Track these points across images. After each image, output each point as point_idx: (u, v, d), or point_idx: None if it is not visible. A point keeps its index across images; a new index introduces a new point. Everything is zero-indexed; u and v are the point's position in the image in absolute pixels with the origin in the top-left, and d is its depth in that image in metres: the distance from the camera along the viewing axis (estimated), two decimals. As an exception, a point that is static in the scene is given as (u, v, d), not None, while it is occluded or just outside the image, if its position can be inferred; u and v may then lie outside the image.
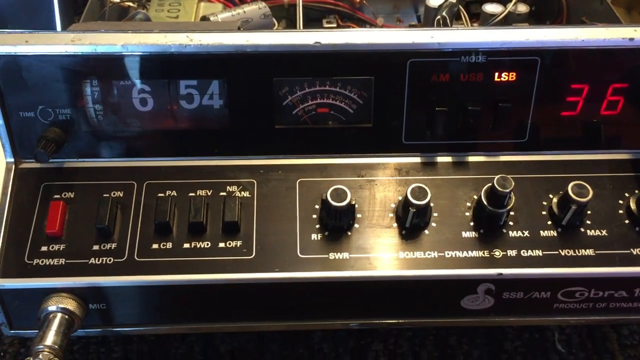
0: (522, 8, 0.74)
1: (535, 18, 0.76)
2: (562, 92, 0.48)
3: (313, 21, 0.77)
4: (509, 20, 0.73)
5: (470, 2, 0.78)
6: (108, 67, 0.47)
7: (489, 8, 0.73)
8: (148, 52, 0.46)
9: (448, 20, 0.57)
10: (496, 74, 0.47)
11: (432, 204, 0.47)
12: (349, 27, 0.76)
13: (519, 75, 0.47)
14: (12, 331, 0.47)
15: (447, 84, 0.48)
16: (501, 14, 0.72)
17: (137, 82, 0.48)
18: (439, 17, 0.57)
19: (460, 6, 0.62)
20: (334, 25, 0.76)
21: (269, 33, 0.47)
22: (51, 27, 0.76)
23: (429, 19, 0.73)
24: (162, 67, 0.47)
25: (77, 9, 0.84)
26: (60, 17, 0.76)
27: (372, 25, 0.78)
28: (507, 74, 0.47)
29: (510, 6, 0.72)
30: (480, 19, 0.73)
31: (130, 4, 0.66)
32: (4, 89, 0.47)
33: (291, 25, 0.75)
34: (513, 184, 0.44)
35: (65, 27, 0.77)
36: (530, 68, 0.47)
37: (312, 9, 0.77)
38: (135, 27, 0.53)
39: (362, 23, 0.78)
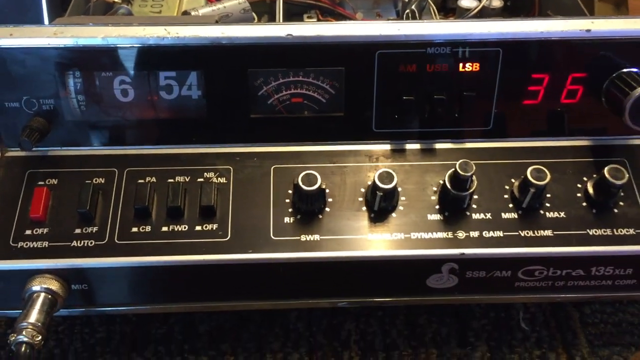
0: (496, 2, 0.76)
1: (510, 12, 0.78)
2: (524, 82, 0.50)
3: (294, 16, 0.79)
4: (484, 15, 0.75)
5: (447, -3, 0.81)
6: (90, 59, 0.49)
7: (464, 3, 0.75)
8: (128, 44, 0.48)
9: (417, 14, 0.59)
10: (460, 65, 0.50)
11: (400, 189, 0.50)
12: (328, 21, 0.79)
13: (482, 65, 0.50)
14: (-2, 312, 0.49)
15: (414, 75, 0.50)
16: (475, 8, 0.74)
17: (118, 73, 0.50)
18: (407, 10, 0.59)
19: (429, 1, 0.64)
20: (315, 20, 0.78)
21: (243, 26, 0.49)
22: (39, 22, 0.78)
23: (404, 12, 0.75)
24: (141, 59, 0.49)
25: (64, 5, 0.86)
26: (47, 13, 0.78)
27: (352, 19, 0.80)
28: (470, 64, 0.50)
29: (484, 0, 0.74)
30: (456, 14, 0.75)
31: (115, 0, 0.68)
32: (-11, 80, 0.49)
33: (273, 20, 0.77)
34: (474, 168, 0.47)
35: (52, 21, 0.79)
36: (492, 59, 0.49)
37: (293, 4, 0.79)
38: (117, 20, 0.56)
39: (342, 18, 0.80)
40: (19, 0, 0.77)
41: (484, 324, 0.54)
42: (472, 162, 0.48)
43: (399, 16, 0.81)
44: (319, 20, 0.78)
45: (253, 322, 0.54)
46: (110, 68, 0.49)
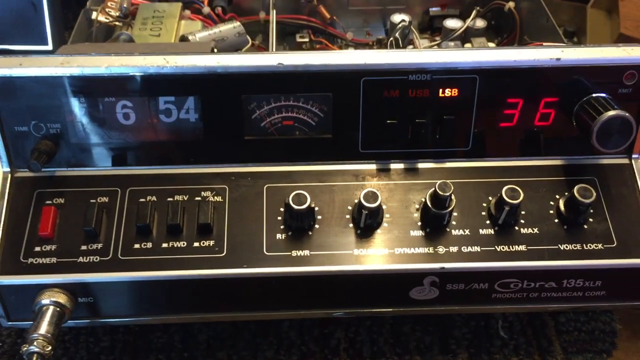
0: (480, 23, 0.80)
1: (494, 32, 0.82)
2: (500, 106, 0.54)
3: (288, 35, 0.83)
4: (468, 35, 0.79)
5: (433, 17, 0.84)
6: (94, 86, 0.52)
7: (450, 23, 0.79)
8: (129, 73, 0.51)
9: (400, 42, 0.63)
10: (440, 90, 0.53)
11: (384, 206, 0.53)
12: (320, 41, 0.82)
13: (460, 91, 0.53)
14: (9, 323, 0.52)
15: (397, 99, 0.53)
16: (460, 29, 0.78)
17: (121, 98, 0.53)
18: (391, 38, 0.63)
19: (412, 28, 0.68)
20: (307, 39, 0.82)
21: (237, 55, 0.53)
22: (43, 42, 0.82)
23: (393, 33, 0.79)
24: (142, 85, 0.52)
25: (67, 24, 0.89)
26: (51, 34, 0.82)
27: (342, 39, 0.84)
28: (450, 90, 0.53)
29: (468, 21, 0.78)
30: (442, 34, 0.79)
31: (117, 23, 0.72)
32: (0, 106, 0.52)
33: (267, 39, 0.80)
34: (452, 188, 0.50)
35: (55, 43, 0.83)
36: (470, 85, 0.53)
37: (286, 24, 0.82)
38: (119, 49, 0.59)
39: (333, 37, 0.84)
40: (25, 21, 0.81)
41: (465, 333, 0.57)
42: (452, 180, 0.51)
43: (388, 35, 0.85)
44: (311, 40, 0.82)
45: (248, 331, 0.57)
46: (113, 94, 0.53)
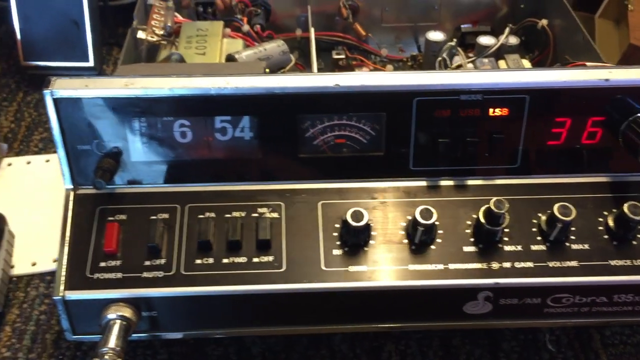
0: (513, 40, 0.82)
1: (525, 48, 0.83)
2: (548, 125, 0.55)
3: (323, 51, 0.85)
4: (501, 51, 0.80)
5: (465, 33, 0.86)
6: (155, 106, 0.53)
7: (483, 40, 0.81)
8: (191, 94, 0.53)
9: (448, 62, 0.64)
10: (491, 110, 0.55)
11: (437, 223, 0.54)
12: (355, 57, 0.84)
13: (510, 110, 0.55)
14: (74, 336, 0.54)
15: (448, 119, 0.55)
16: (494, 46, 0.79)
17: (179, 118, 0.55)
18: (440, 58, 0.64)
19: (458, 48, 0.69)
20: (343, 56, 0.84)
21: (294, 76, 0.54)
22: (85, 59, 0.84)
23: (428, 50, 0.81)
24: (201, 105, 0.54)
25: (104, 40, 0.91)
26: (92, 51, 0.84)
27: (377, 55, 0.85)
28: (500, 109, 0.55)
29: (502, 39, 0.80)
30: (475, 50, 0.81)
31: (162, 41, 0.74)
32: (65, 125, 0.54)
33: (303, 55, 0.82)
34: (507, 205, 0.52)
35: (96, 60, 0.85)
36: (520, 104, 0.54)
37: (322, 41, 0.84)
38: (175, 69, 0.61)
39: (367, 54, 0.86)
40: (67, 39, 0.83)
41: (514, 346, 0.59)
42: (500, 197, 0.53)
43: (420, 51, 0.87)
44: (346, 56, 0.84)
45: (301, 344, 0.59)
46: (172, 113, 0.54)
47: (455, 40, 0.75)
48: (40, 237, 0.67)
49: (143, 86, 0.53)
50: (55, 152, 0.76)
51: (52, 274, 0.64)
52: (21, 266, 0.65)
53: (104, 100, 0.53)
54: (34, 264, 0.65)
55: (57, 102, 0.52)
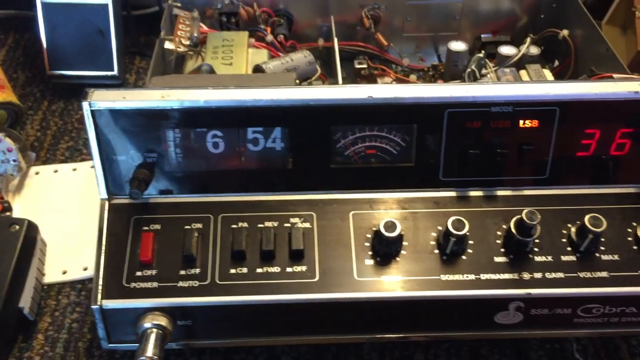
0: (534, 50, 0.82)
1: (545, 58, 0.84)
2: (578, 136, 0.56)
3: (345, 61, 0.85)
4: (522, 61, 0.81)
5: (485, 43, 0.87)
6: (189, 117, 0.54)
7: (504, 50, 0.81)
8: (225, 105, 0.54)
9: (477, 73, 0.65)
10: (521, 121, 0.55)
11: (467, 233, 0.55)
12: (377, 67, 0.85)
13: (540, 122, 0.55)
14: (110, 345, 0.55)
15: (479, 130, 0.56)
16: (515, 56, 0.80)
17: (212, 128, 0.55)
18: (469, 69, 0.65)
19: (486, 60, 0.70)
20: (365, 65, 0.85)
21: (328, 88, 0.55)
22: (110, 68, 0.85)
23: (450, 60, 0.81)
24: (235, 117, 0.55)
25: (127, 49, 0.92)
26: (117, 60, 0.85)
27: (399, 65, 0.86)
28: (530, 121, 0.55)
29: (524, 49, 0.80)
30: (497, 60, 0.81)
31: (189, 52, 0.74)
32: (101, 136, 0.54)
33: (325, 65, 0.83)
34: (539, 217, 0.52)
35: (120, 69, 0.86)
36: (550, 116, 0.55)
37: (344, 50, 0.85)
38: (208, 81, 0.62)
39: (389, 63, 0.87)
40: (93, 49, 0.84)
41: (541, 355, 0.59)
42: (530, 208, 0.53)
43: (440, 61, 0.88)
44: (368, 65, 0.85)
45: (330, 352, 0.59)
46: (205, 124, 0.55)
47: (483, 52, 0.75)
48: (69, 245, 0.68)
49: (179, 98, 0.53)
50: (81, 160, 0.78)
51: (83, 282, 0.65)
52: (52, 274, 0.65)
53: (140, 112, 0.54)
54: (64, 272, 0.66)
55: (94, 113, 0.53)
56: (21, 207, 0.71)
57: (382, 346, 0.60)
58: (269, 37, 0.80)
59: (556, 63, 0.84)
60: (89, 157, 0.78)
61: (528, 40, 0.81)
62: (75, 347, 0.60)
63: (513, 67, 0.81)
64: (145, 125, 0.54)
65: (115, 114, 0.53)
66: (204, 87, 0.55)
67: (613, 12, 0.87)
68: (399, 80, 0.82)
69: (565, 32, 0.81)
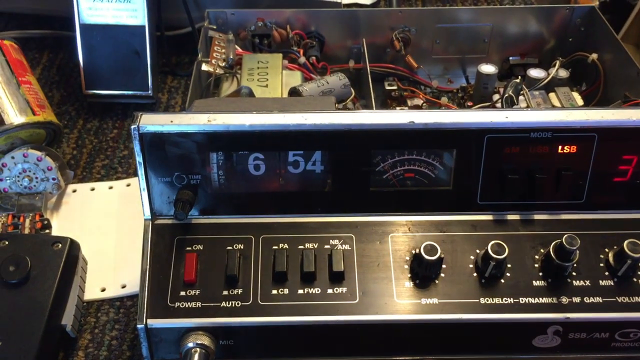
0: (563, 73, 0.83)
1: (573, 81, 0.85)
2: (615, 162, 0.57)
3: (374, 82, 0.87)
4: (552, 84, 0.82)
5: (513, 65, 0.88)
6: (234, 141, 0.56)
7: (533, 73, 0.83)
8: (269, 129, 0.55)
9: (514, 99, 0.66)
10: (559, 147, 0.56)
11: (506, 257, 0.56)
12: (407, 89, 0.86)
13: (579, 148, 0.56)
14: (152, 363, 0.56)
15: (518, 155, 0.56)
16: (545, 79, 0.81)
17: (254, 151, 0.57)
18: (506, 95, 0.66)
19: (523, 86, 0.71)
20: (395, 87, 0.86)
21: (369, 113, 0.56)
22: (144, 88, 0.87)
23: (479, 82, 0.83)
24: (276, 140, 0.56)
25: (161, 68, 0.94)
26: (151, 80, 0.87)
27: (428, 86, 0.87)
28: (569, 147, 0.56)
29: (553, 72, 0.81)
30: (525, 82, 0.82)
31: (225, 73, 0.76)
32: (147, 158, 0.56)
33: (355, 85, 0.84)
34: (579, 242, 0.53)
35: (154, 88, 0.87)
36: (588, 142, 0.56)
37: (374, 72, 0.86)
38: (250, 104, 0.63)
39: (418, 85, 0.88)
40: (128, 69, 0.85)
41: (577, 378, 0.59)
42: (567, 232, 0.54)
43: (468, 82, 0.89)
44: (398, 87, 0.86)
45: (367, 373, 0.60)
46: (248, 148, 0.56)
47: (520, 77, 0.76)
48: (108, 263, 0.69)
49: (224, 122, 0.55)
50: (116, 179, 0.79)
51: (121, 299, 0.67)
52: (91, 292, 0.67)
53: (186, 135, 0.55)
54: (103, 290, 0.67)
55: (142, 136, 0.54)
56: (60, 225, 0.73)
57: (419, 367, 0.60)
58: (302, 59, 0.81)
59: (584, 86, 0.85)
60: (124, 175, 0.80)
61: (557, 63, 0.82)
62: (115, 365, 0.61)
63: (542, 89, 0.82)
64: (190, 148, 0.56)
65: (162, 136, 0.55)
66: (248, 111, 0.56)
67: (627, 29, 0.88)
68: (429, 102, 0.83)
69: (594, 56, 0.82)
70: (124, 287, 0.67)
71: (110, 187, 0.78)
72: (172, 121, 0.55)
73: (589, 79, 0.84)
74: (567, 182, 0.57)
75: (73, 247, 0.64)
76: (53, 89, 0.93)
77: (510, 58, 0.89)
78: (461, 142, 0.56)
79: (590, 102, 0.82)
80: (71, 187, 0.77)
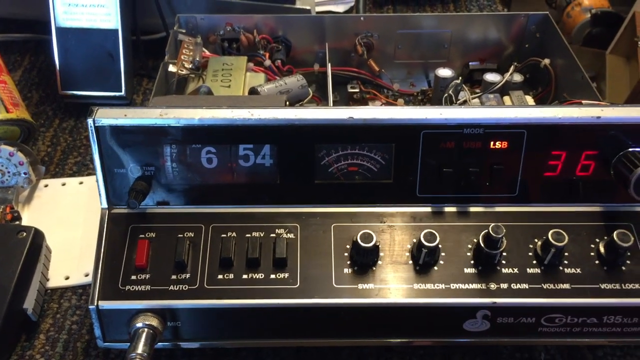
0: (517, 77, 0.87)
1: (529, 85, 0.88)
2: (545, 157, 0.60)
3: (339, 85, 0.90)
4: (506, 88, 0.85)
5: (473, 70, 0.92)
6: (185, 134, 0.59)
7: (489, 77, 0.86)
8: (218, 124, 0.59)
9: (453, 98, 0.70)
10: (491, 143, 0.59)
11: (440, 246, 0.59)
12: (369, 91, 0.89)
13: (509, 144, 0.59)
14: (105, 343, 0.59)
15: (452, 150, 0.60)
16: (499, 83, 0.85)
17: (206, 145, 0.60)
18: (446, 94, 0.69)
19: (463, 85, 0.75)
20: (357, 90, 0.89)
21: (312, 109, 0.60)
22: (118, 90, 0.90)
23: (438, 86, 0.86)
24: (227, 134, 0.59)
25: (135, 71, 0.98)
26: (125, 81, 0.90)
27: (389, 89, 0.91)
28: (500, 142, 0.59)
29: (507, 76, 0.85)
30: (482, 86, 0.86)
31: (191, 75, 0.80)
32: (104, 151, 0.59)
33: (320, 88, 0.88)
34: (505, 230, 0.56)
35: (128, 90, 0.91)
36: (518, 138, 0.59)
37: (338, 75, 0.90)
38: (205, 101, 0.66)
39: (380, 88, 0.91)
40: (102, 70, 0.89)
41: (511, 363, 0.63)
42: (500, 223, 0.57)
43: (430, 86, 0.92)
44: (360, 90, 0.90)
45: (311, 356, 0.63)
46: (200, 141, 0.60)
47: (461, 77, 0.80)
48: (73, 253, 0.72)
49: (176, 116, 0.58)
50: (87, 174, 0.83)
51: (84, 287, 0.70)
52: (55, 279, 0.70)
53: (140, 128, 0.58)
54: (67, 278, 0.70)
55: (98, 129, 0.58)
56: (30, 217, 0.76)
57: (360, 352, 0.63)
58: (267, 62, 0.85)
59: (540, 90, 0.88)
60: (95, 171, 0.83)
61: (512, 68, 0.86)
62: (73, 347, 0.64)
63: (497, 93, 0.85)
64: (144, 140, 0.59)
65: (117, 130, 0.58)
66: (200, 106, 0.59)
67: (617, 41, 0.89)
68: (388, 104, 0.87)
69: (546, 61, 0.85)
70: (87, 275, 0.70)
71: (81, 183, 0.81)
72: (125, 115, 0.58)
73: (543, 83, 0.87)
74: (499, 176, 0.61)
75: (37, 236, 0.67)
76: (32, 90, 0.96)
77: (470, 63, 0.92)
78: (399, 138, 0.60)
79: (542, 104, 0.85)
80: (43, 182, 0.81)
